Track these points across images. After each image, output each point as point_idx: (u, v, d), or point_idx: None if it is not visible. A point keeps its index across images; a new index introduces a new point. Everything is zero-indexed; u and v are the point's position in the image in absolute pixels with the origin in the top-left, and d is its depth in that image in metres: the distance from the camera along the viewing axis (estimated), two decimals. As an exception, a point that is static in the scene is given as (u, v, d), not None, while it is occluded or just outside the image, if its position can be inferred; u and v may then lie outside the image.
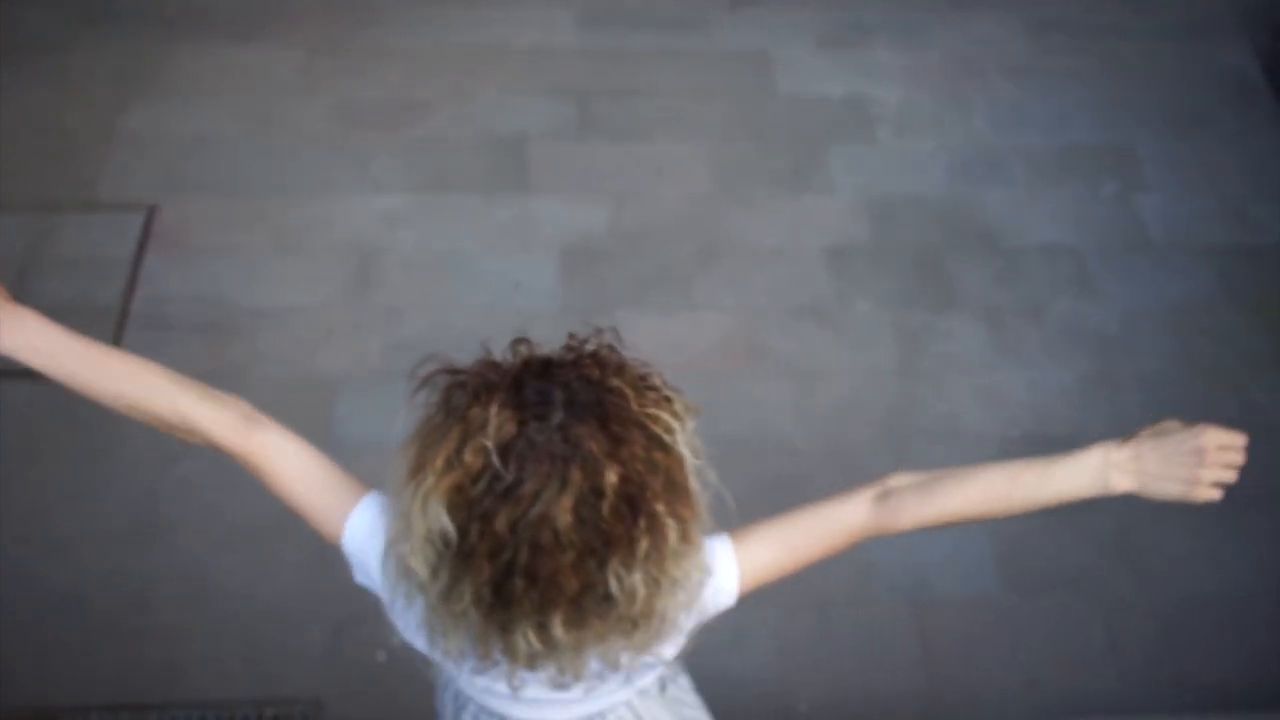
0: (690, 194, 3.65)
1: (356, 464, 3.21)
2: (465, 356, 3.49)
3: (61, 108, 3.75)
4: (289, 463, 1.34)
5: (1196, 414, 3.44)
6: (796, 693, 2.68)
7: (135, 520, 2.87)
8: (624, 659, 1.17)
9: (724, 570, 1.28)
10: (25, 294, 3.27)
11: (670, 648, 1.28)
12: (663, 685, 1.57)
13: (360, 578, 1.35)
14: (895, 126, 3.87)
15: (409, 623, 1.26)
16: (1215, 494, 1.33)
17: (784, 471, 2.98)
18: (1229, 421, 3.51)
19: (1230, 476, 1.33)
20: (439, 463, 1.05)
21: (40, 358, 1.30)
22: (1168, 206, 3.69)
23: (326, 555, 2.91)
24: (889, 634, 2.74)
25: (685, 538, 1.10)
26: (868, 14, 4.22)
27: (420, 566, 1.09)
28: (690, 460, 1.09)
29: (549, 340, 3.18)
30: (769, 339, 3.29)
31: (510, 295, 3.36)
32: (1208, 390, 3.24)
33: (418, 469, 1.08)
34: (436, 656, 1.23)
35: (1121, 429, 3.37)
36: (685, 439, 1.09)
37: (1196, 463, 1.33)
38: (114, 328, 3.21)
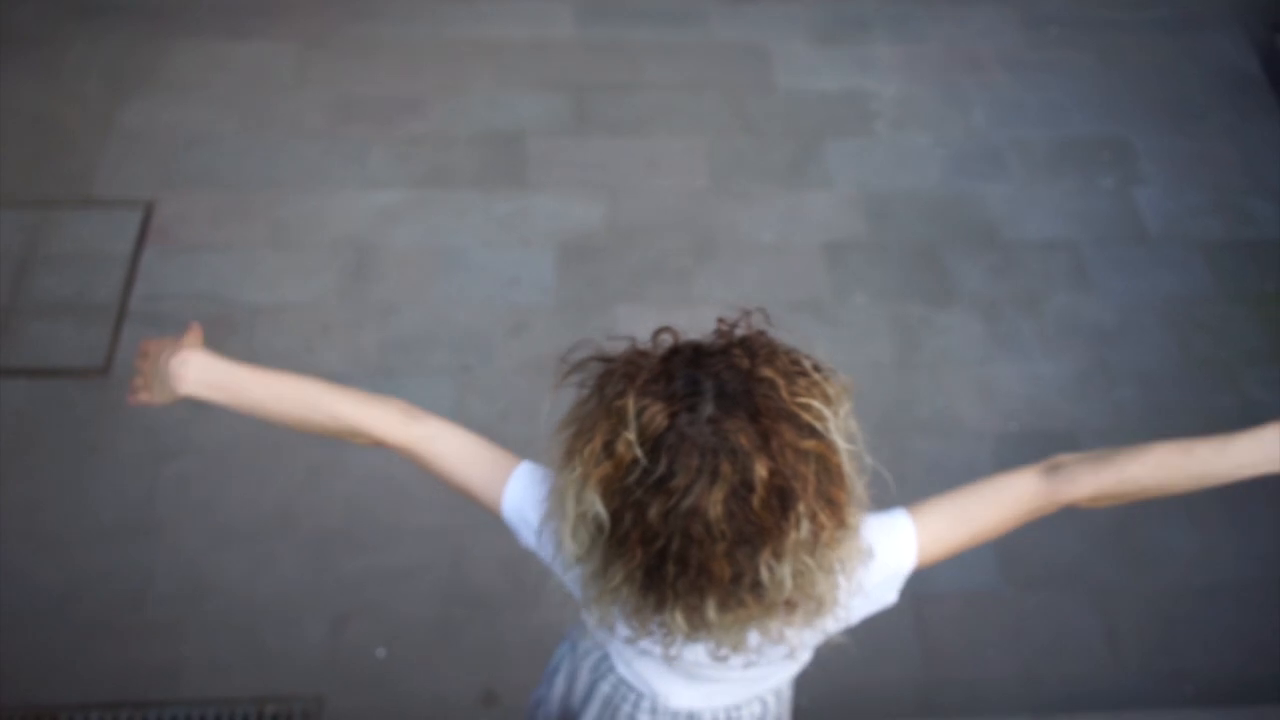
0: (687, 188, 3.65)
1: (355, 461, 3.22)
2: (466, 351, 3.46)
3: (56, 104, 3.73)
4: (445, 448, 1.37)
5: (1194, 408, 3.47)
6: (798, 686, 2.69)
7: (131, 518, 2.87)
8: (786, 634, 1.19)
9: (902, 540, 1.29)
10: (24, 291, 3.27)
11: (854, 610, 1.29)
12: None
13: (525, 542, 1.38)
14: (892, 121, 3.87)
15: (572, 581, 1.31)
16: None
17: (782, 466, 2.98)
18: (1226, 416, 3.53)
19: None
20: (592, 451, 1.08)
21: (220, 394, 1.37)
22: (1165, 200, 3.69)
23: (324, 551, 2.92)
24: (889, 628, 2.73)
25: (840, 524, 1.10)
26: (865, 8, 4.21)
27: (574, 545, 1.13)
28: (843, 446, 1.10)
29: (548, 335, 3.18)
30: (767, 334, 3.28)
31: (507, 290, 3.36)
32: (1205, 384, 3.25)
33: (571, 454, 1.11)
34: (590, 624, 1.26)
35: (1119, 423, 3.39)
36: (838, 425, 1.09)
37: None
38: (112, 324, 3.20)
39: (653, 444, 1.05)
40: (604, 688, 1.58)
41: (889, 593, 1.34)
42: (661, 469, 1.04)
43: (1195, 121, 3.91)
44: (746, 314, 1.15)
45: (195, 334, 1.42)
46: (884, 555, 1.28)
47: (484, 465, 1.37)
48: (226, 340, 3.20)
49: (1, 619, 2.67)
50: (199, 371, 1.37)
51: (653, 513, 1.05)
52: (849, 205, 3.63)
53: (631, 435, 1.04)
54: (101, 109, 3.72)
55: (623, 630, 1.21)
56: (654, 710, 1.55)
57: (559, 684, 1.75)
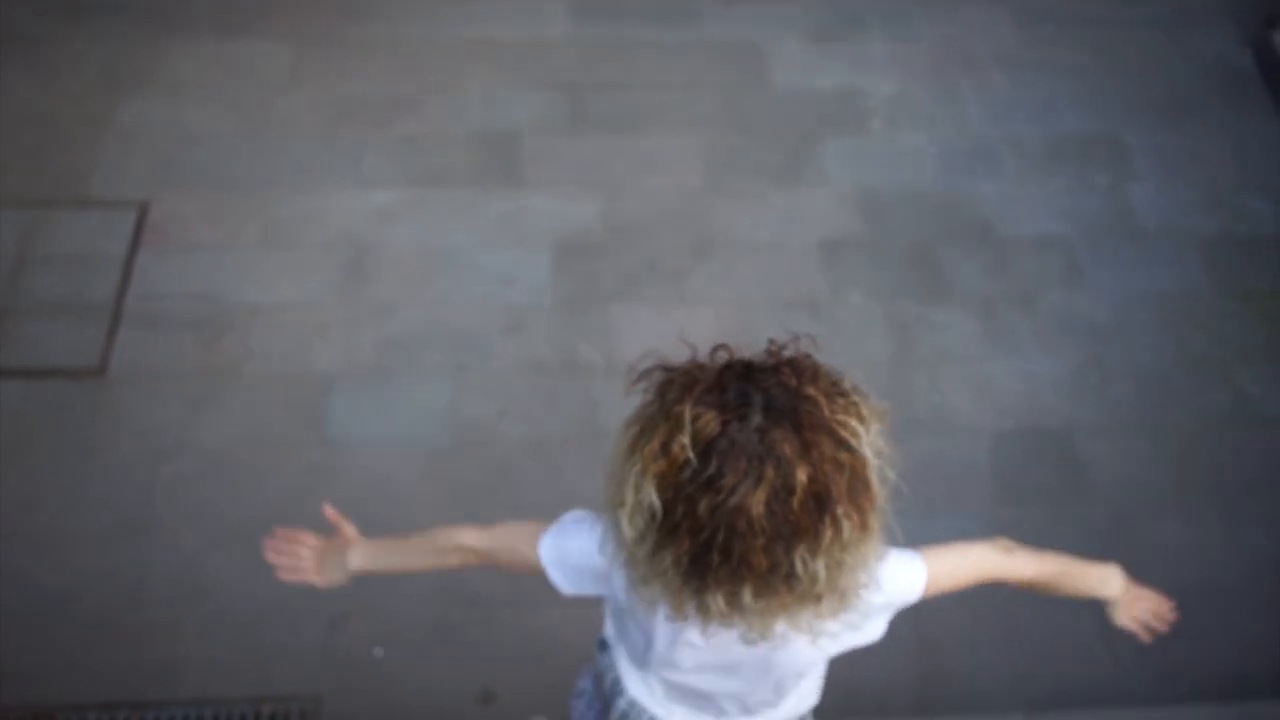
0: (683, 187, 3.65)
1: (352, 461, 3.22)
2: (462, 351, 3.45)
3: (53, 103, 3.73)
4: (500, 529, 1.63)
5: (1189, 406, 3.48)
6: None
7: (128, 518, 2.87)
8: (810, 624, 1.32)
9: (916, 578, 1.50)
10: (19, 291, 3.27)
11: (864, 627, 1.47)
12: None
13: (568, 590, 1.56)
14: (888, 119, 3.88)
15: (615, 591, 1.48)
16: (1147, 637, 1.84)
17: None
18: (1221, 413, 3.52)
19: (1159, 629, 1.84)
20: (650, 450, 1.20)
21: (376, 565, 1.71)
22: (1159, 196, 3.70)
23: (322, 551, 2.90)
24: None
25: (864, 527, 1.23)
26: (860, 6, 4.22)
27: (630, 529, 1.25)
28: (873, 460, 1.21)
29: (544, 335, 3.17)
30: (762, 332, 3.27)
31: (503, 290, 3.36)
32: (1200, 382, 3.25)
33: (633, 450, 1.23)
34: (635, 603, 1.40)
35: (1114, 420, 3.38)
36: (870, 441, 1.21)
37: (1151, 617, 1.85)
38: (108, 325, 3.20)
39: (705, 447, 1.17)
40: (621, 704, 1.73)
41: (882, 625, 1.52)
42: (712, 469, 1.16)
43: (1189, 118, 3.92)
44: (795, 338, 1.27)
45: (349, 527, 1.72)
46: (900, 586, 1.48)
47: (525, 528, 1.56)
48: (222, 341, 3.20)
49: (0, 619, 2.67)
50: (364, 558, 1.70)
51: (702, 507, 1.17)
52: (845, 203, 3.63)
53: (686, 439, 1.17)
54: (98, 109, 3.72)
55: (664, 610, 1.34)
56: None
57: (591, 674, 1.89)
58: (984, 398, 3.20)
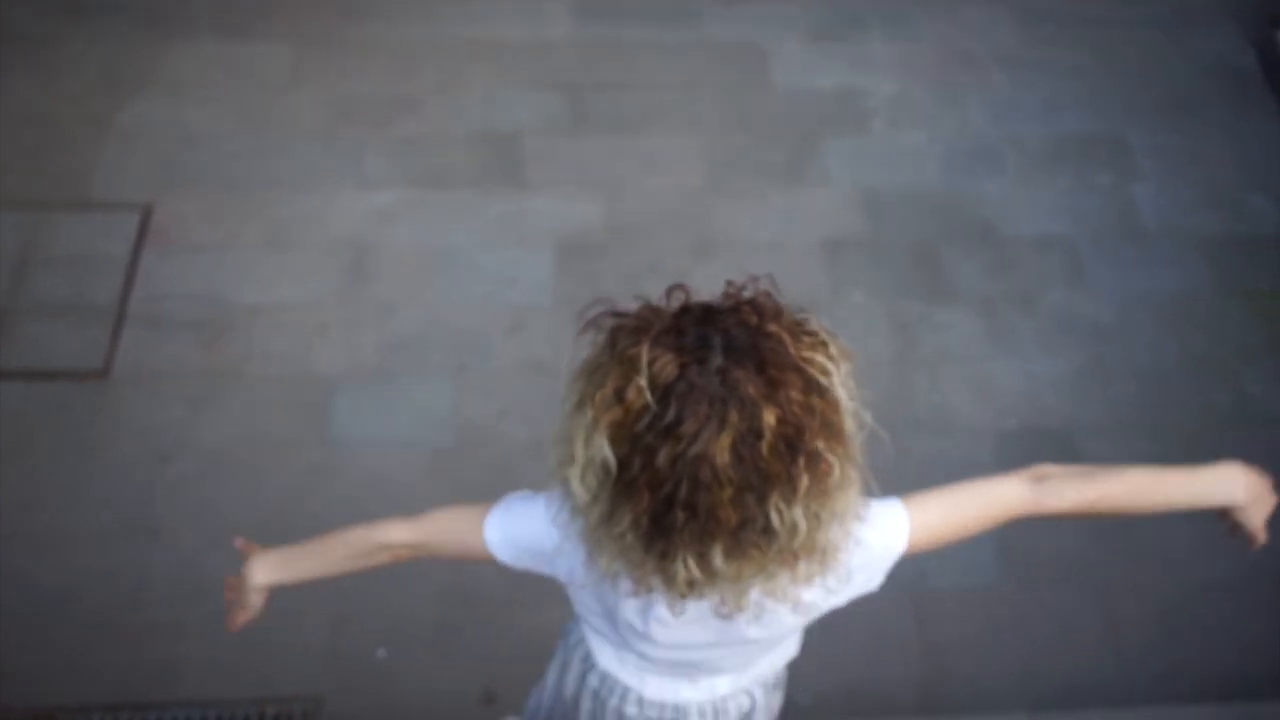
0: (685, 188, 3.65)
1: (353, 461, 3.21)
2: (464, 351, 3.46)
3: (54, 104, 3.73)
4: (437, 516, 1.52)
5: (1190, 406, 3.48)
6: (797, 684, 2.68)
7: (129, 519, 2.87)
8: (789, 590, 1.22)
9: (895, 524, 1.35)
10: (22, 293, 3.27)
11: (845, 587, 1.34)
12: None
13: (518, 567, 1.45)
14: (889, 119, 3.87)
15: (575, 568, 1.36)
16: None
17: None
18: (1223, 413, 3.52)
19: None
20: (603, 397, 1.11)
21: (287, 574, 1.59)
22: (1161, 196, 3.70)
23: (323, 552, 2.90)
24: (889, 626, 2.75)
25: (841, 474, 1.14)
26: (860, 6, 4.21)
27: (582, 490, 1.16)
28: (845, 402, 1.14)
29: (545, 335, 3.18)
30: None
31: (505, 290, 3.36)
32: (1201, 381, 3.25)
33: (582, 402, 1.14)
34: (595, 577, 1.29)
35: (1116, 420, 3.38)
36: (841, 381, 1.14)
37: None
38: (111, 327, 3.20)
39: (663, 392, 1.08)
40: (592, 680, 1.63)
41: (876, 576, 1.39)
42: (670, 416, 1.07)
43: (1190, 118, 3.92)
44: (754, 279, 1.19)
45: (249, 546, 1.63)
46: (879, 536, 1.34)
47: (465, 512, 1.46)
48: (225, 342, 3.20)
49: (1, 619, 2.67)
50: (268, 570, 1.59)
51: (661, 458, 1.08)
52: (846, 203, 3.63)
53: (643, 381, 1.08)
54: (98, 109, 3.72)
55: (626, 585, 1.24)
56: (641, 702, 1.60)
57: (552, 673, 1.80)
58: (985, 397, 3.20)
